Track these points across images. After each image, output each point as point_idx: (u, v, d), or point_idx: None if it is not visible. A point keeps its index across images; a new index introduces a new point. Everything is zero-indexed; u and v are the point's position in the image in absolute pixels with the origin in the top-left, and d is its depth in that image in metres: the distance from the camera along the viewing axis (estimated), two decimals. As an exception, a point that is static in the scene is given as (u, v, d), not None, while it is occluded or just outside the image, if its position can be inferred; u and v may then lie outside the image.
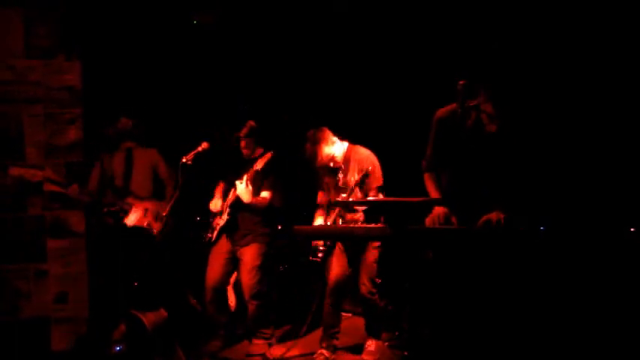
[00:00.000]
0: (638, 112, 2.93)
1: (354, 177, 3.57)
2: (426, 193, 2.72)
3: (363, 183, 3.50)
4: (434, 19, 4.03)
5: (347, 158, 3.66)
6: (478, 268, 2.32)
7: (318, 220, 3.80)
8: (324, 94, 4.69)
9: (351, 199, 3.49)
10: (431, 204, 2.52)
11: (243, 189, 3.69)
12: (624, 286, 2.11)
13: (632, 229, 1.81)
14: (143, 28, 4.54)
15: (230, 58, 4.98)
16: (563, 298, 2.30)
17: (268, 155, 3.72)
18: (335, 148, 3.62)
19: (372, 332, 3.76)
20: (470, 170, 2.50)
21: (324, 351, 3.69)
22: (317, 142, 3.56)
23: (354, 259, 3.67)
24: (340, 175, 3.64)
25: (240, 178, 3.74)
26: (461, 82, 2.47)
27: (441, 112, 2.70)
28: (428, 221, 2.48)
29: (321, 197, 3.88)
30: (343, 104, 3.84)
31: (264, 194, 3.85)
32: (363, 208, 3.54)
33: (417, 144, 2.89)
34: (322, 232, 3.32)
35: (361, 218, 3.60)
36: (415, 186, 2.90)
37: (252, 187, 3.74)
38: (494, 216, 2.32)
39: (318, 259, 3.71)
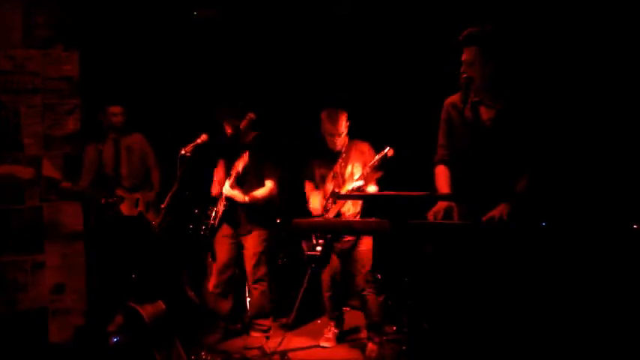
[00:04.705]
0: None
1: (355, 168, 3.64)
2: (429, 188, 2.69)
3: (383, 165, 3.54)
4: (435, 14, 4.00)
5: (348, 150, 3.72)
6: (478, 264, 2.30)
7: (314, 202, 3.77)
8: (323, 87, 4.66)
9: (355, 185, 3.51)
10: (433, 199, 2.49)
11: (231, 192, 3.73)
12: (627, 283, 2.10)
13: (635, 226, 1.80)
14: (142, 19, 4.50)
15: (229, 49, 4.95)
16: (564, 294, 2.29)
17: (246, 157, 3.71)
18: (345, 130, 3.69)
19: (373, 328, 3.71)
20: (474, 163, 2.47)
21: (332, 327, 3.87)
22: (340, 113, 3.64)
23: (347, 249, 3.69)
24: (341, 163, 3.70)
25: (231, 169, 3.75)
26: (464, 76, 2.45)
27: (450, 99, 2.65)
28: (429, 216, 2.46)
29: (309, 188, 3.86)
30: (344, 99, 3.82)
31: (268, 183, 3.84)
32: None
33: (417, 140, 2.86)
34: (322, 226, 3.29)
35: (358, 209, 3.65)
36: (415, 180, 2.88)
37: (243, 185, 3.75)
38: (497, 213, 2.30)
39: (318, 253, 3.71)
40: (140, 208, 3.92)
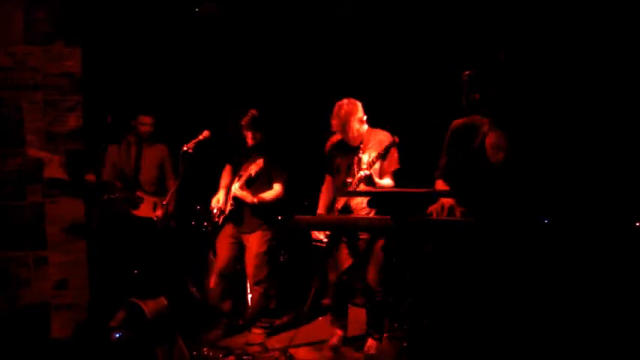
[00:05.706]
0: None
1: (370, 157, 3.43)
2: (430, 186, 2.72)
3: (386, 153, 3.36)
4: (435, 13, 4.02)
5: (366, 140, 3.55)
6: (481, 261, 2.32)
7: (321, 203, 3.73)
8: (323, 86, 4.66)
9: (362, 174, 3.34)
10: (436, 195, 2.51)
11: (241, 193, 3.74)
12: (629, 280, 2.11)
13: (637, 224, 1.81)
14: (144, 14, 4.50)
15: (233, 45, 4.95)
16: (566, 291, 2.31)
17: (260, 162, 3.71)
18: (363, 127, 3.51)
19: (374, 327, 3.73)
20: (479, 179, 2.50)
21: (337, 330, 3.85)
22: (348, 115, 3.43)
23: (364, 247, 3.59)
24: (360, 155, 3.47)
25: (240, 169, 3.75)
26: (466, 73, 2.46)
27: (456, 123, 2.69)
28: (431, 210, 2.47)
29: (328, 181, 3.78)
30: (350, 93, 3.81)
31: (277, 187, 3.85)
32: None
33: (423, 135, 2.87)
34: (323, 223, 3.28)
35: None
36: (419, 176, 2.90)
37: (251, 187, 3.77)
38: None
39: (323, 245, 3.69)
40: (158, 211, 3.95)
